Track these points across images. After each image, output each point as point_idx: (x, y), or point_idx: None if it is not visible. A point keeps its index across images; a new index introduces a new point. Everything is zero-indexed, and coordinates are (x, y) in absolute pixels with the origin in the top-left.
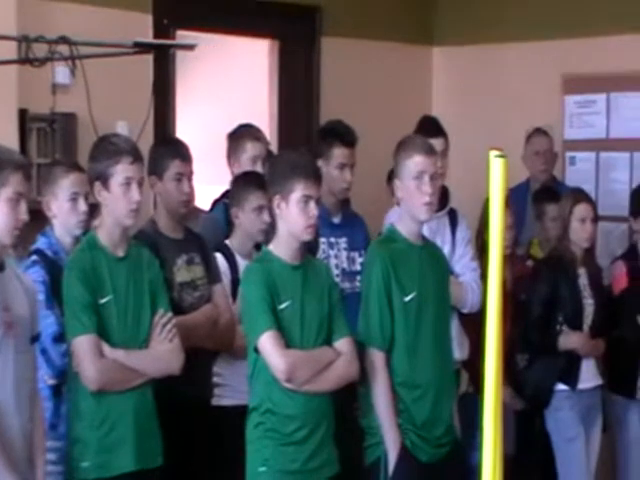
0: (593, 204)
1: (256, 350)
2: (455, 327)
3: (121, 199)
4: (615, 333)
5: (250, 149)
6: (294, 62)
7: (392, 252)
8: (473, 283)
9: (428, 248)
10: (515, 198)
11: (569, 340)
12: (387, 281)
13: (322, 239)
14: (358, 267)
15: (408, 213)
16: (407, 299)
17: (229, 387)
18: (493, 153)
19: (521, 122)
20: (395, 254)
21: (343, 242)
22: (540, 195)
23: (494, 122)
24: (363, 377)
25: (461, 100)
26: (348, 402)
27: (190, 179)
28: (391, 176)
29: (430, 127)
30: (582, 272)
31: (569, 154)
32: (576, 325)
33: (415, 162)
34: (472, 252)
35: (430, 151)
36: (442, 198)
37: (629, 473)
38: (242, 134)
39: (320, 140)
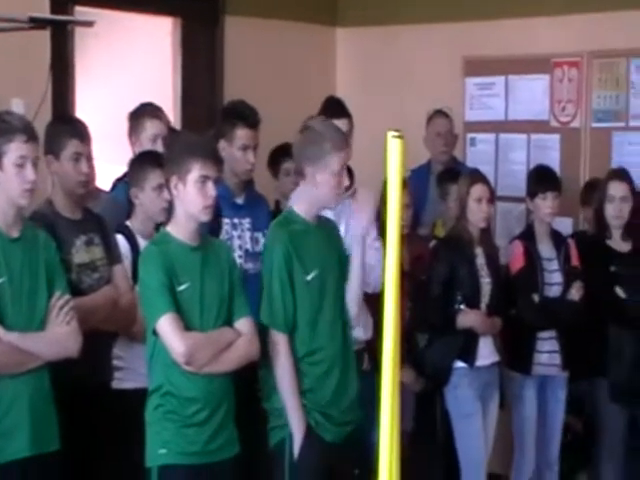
0: (489, 185)
1: (155, 333)
2: (360, 307)
3: (14, 178)
4: (512, 311)
5: (150, 127)
6: (197, 41)
7: (292, 233)
8: (377, 263)
9: (325, 227)
10: (417, 179)
11: (467, 319)
12: (288, 261)
13: (225, 220)
14: (262, 248)
15: (315, 199)
16: (309, 278)
17: (130, 370)
18: (390, 133)
19: (423, 103)
20: (295, 235)
21: (247, 223)
22: (443, 176)
23: (397, 103)
24: (264, 360)
25: (365, 81)
26: (251, 383)
27: (89, 159)
28: (274, 157)
29: (334, 108)
30: (479, 252)
31: (469, 135)
32: (474, 304)
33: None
34: (375, 233)
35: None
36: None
37: (525, 447)
38: (142, 113)
39: (223, 121)
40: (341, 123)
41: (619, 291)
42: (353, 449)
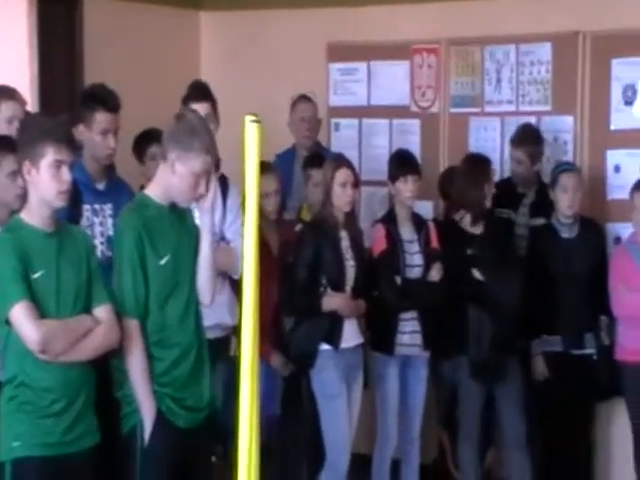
0: (353, 169)
1: (8, 322)
2: (227, 293)
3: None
4: (375, 293)
5: (4, 110)
6: (55, 23)
7: (144, 218)
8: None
9: (179, 211)
10: (282, 164)
11: (332, 302)
12: (140, 247)
13: (86, 206)
14: None
15: (169, 185)
16: (162, 262)
17: None
18: (248, 118)
19: (288, 88)
20: (147, 220)
21: (108, 209)
22: (308, 161)
23: (262, 88)
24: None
25: (230, 66)
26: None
27: None
28: (139, 141)
29: (197, 92)
30: (344, 235)
31: (334, 120)
32: (339, 287)
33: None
34: (242, 218)
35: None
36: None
37: (387, 424)
38: None
39: (82, 105)
40: (202, 107)
41: (476, 273)
42: (209, 435)
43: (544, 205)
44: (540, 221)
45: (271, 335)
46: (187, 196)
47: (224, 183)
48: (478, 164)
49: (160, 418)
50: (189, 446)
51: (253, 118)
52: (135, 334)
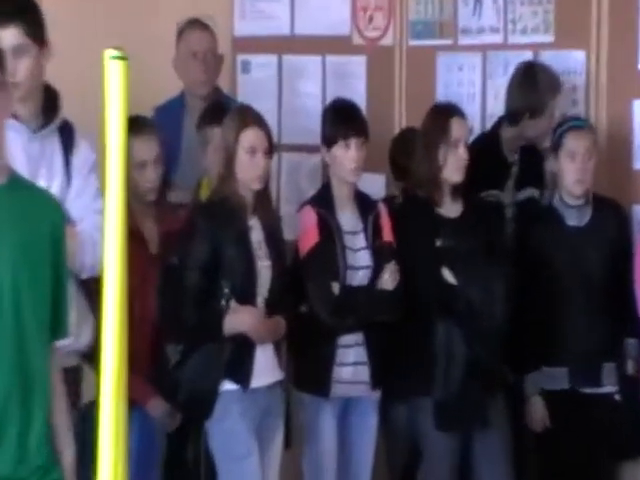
0: (267, 128)
1: None
2: (74, 303)
3: None
4: (302, 308)
5: None
6: None
7: None
8: (96, 233)
9: (15, 185)
10: (165, 120)
11: (238, 320)
12: None
13: None
14: None
15: None
16: None
17: None
18: (109, 53)
19: (171, 11)
20: None
21: None
22: (204, 116)
23: (134, 10)
24: None
25: None
26: None
27: None
28: None
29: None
30: (254, 224)
31: (241, 57)
32: (247, 298)
33: None
34: (96, 186)
35: None
36: (49, 105)
37: None
38: None
39: None
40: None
41: (446, 273)
42: None
43: (533, 174)
44: (527, 192)
45: (148, 370)
46: None
47: (67, 133)
48: (437, 118)
49: None
50: None
51: (116, 53)
52: None
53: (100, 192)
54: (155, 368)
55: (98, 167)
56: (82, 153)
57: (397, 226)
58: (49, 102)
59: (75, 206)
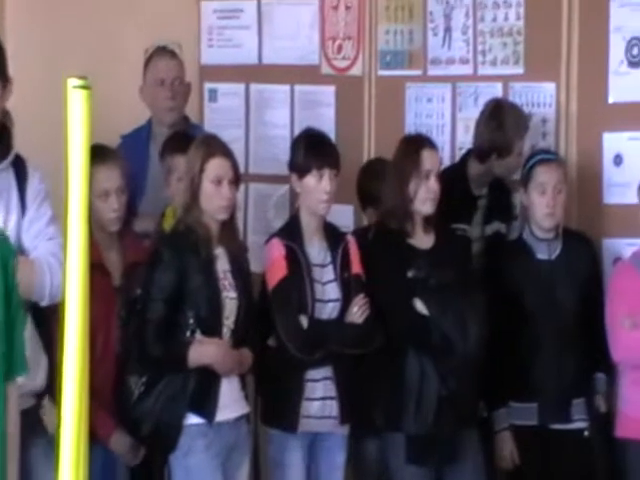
0: (233, 158)
1: None
2: (29, 335)
3: None
4: (269, 340)
5: None
6: None
7: None
8: (51, 258)
9: None
10: (132, 148)
11: (203, 351)
12: None
13: None
14: None
15: None
16: None
17: None
18: (72, 82)
19: (139, 37)
20: None
21: None
22: (169, 144)
23: (101, 37)
24: None
25: (46, 4)
26: None
27: None
28: None
29: None
30: (220, 253)
31: (208, 85)
32: (213, 329)
33: None
34: (49, 214)
35: None
36: (1, 140)
37: None
38: None
39: None
40: None
41: (419, 305)
42: None
43: (500, 207)
44: (494, 227)
45: (110, 403)
46: None
47: (20, 167)
48: (408, 150)
49: None
50: None
51: (78, 82)
52: None
53: (53, 220)
54: (118, 401)
55: (52, 196)
56: (34, 184)
57: (369, 258)
58: (1, 137)
59: (29, 235)
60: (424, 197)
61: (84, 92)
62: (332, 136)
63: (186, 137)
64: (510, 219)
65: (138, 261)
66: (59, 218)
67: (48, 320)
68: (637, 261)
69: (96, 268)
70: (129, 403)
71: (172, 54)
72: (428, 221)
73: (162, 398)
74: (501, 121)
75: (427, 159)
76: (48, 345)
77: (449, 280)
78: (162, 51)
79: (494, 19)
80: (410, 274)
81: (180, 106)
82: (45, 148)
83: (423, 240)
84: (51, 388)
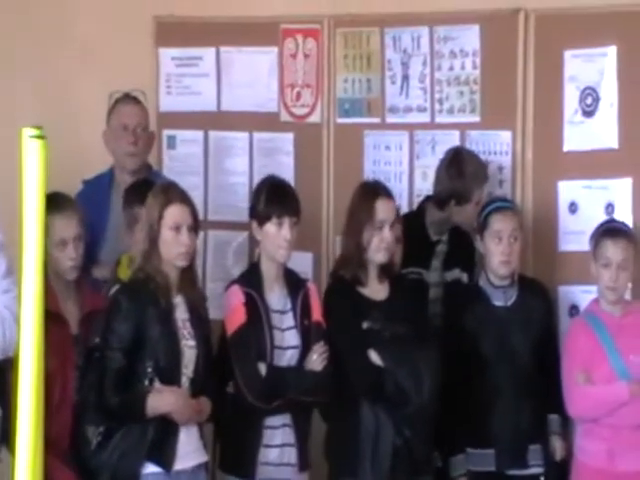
0: (192, 205)
1: None
2: None
3: None
4: (228, 388)
5: None
6: None
7: None
8: (5, 312)
9: None
10: (92, 195)
11: (161, 401)
12: None
13: None
14: None
15: None
16: None
17: None
18: (27, 132)
19: (97, 84)
20: None
21: None
22: (131, 191)
23: (61, 82)
24: None
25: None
26: None
27: None
28: None
29: None
30: (179, 301)
31: (167, 132)
32: (172, 378)
33: None
34: (5, 266)
35: None
36: None
37: None
38: None
39: None
40: None
41: (374, 356)
42: None
43: (460, 254)
44: (455, 274)
45: (68, 453)
46: None
47: None
48: (363, 199)
49: None
50: None
51: (34, 132)
52: None
53: (9, 272)
54: (75, 451)
55: (11, 247)
56: None
57: (325, 307)
58: None
59: None
60: (377, 246)
61: (39, 142)
62: (291, 183)
63: (150, 186)
64: (472, 266)
65: (96, 309)
66: (15, 270)
67: (2, 371)
68: (590, 317)
69: (53, 317)
70: (87, 453)
71: (136, 101)
72: (383, 270)
73: (120, 448)
74: (461, 169)
75: (381, 209)
76: (3, 396)
77: (403, 332)
78: (127, 97)
79: (451, 68)
80: (365, 325)
81: (142, 153)
82: (0, 199)
83: (378, 290)
84: (6, 439)
